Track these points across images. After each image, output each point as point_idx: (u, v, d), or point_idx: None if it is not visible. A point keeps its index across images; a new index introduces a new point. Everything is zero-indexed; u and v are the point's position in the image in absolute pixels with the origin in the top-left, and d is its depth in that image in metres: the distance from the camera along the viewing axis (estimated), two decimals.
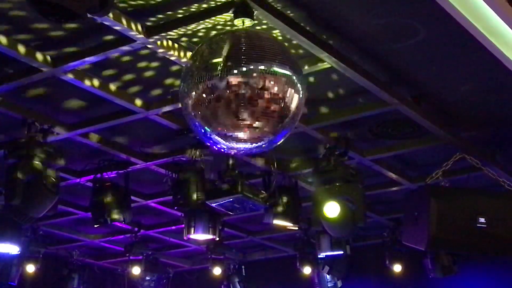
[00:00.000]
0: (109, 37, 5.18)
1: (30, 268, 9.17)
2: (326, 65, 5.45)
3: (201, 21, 4.84)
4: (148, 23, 5.00)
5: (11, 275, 8.50)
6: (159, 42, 5.13)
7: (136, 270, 9.91)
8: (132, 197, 7.79)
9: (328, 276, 9.15)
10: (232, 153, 4.55)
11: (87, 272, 10.34)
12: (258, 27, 4.97)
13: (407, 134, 6.94)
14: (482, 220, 6.29)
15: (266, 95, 4.10)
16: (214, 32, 5.01)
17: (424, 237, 6.29)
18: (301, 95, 4.28)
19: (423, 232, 6.28)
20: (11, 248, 7.30)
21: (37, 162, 6.06)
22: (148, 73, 5.79)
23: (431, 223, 6.20)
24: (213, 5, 4.77)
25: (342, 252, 8.44)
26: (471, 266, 9.03)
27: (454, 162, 6.79)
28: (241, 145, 4.29)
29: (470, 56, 5.46)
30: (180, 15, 4.91)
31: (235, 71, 4.06)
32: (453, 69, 5.73)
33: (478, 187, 7.33)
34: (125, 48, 5.18)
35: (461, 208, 6.34)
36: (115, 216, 7.26)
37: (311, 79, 5.77)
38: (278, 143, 4.44)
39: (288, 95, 4.17)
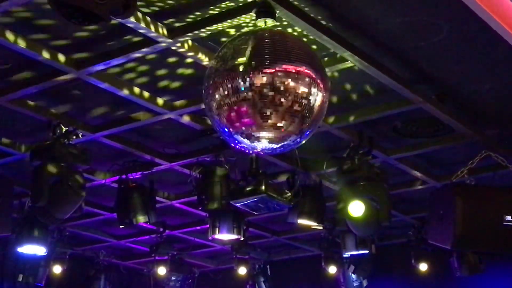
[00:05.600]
0: (133, 39, 5.21)
1: (57, 269, 9.24)
2: (349, 63, 5.44)
3: (223, 22, 4.85)
4: (171, 25, 5.02)
5: (39, 276, 8.53)
6: (181, 44, 5.15)
7: (161, 271, 9.94)
8: (157, 198, 7.82)
9: (353, 276, 9.11)
10: (256, 153, 4.54)
11: (113, 273, 10.42)
12: (280, 27, 4.97)
13: (432, 133, 6.89)
14: (508, 218, 6.23)
15: (290, 95, 4.09)
16: (238, 33, 5.02)
17: (450, 236, 6.24)
18: (324, 95, 4.27)
19: (449, 231, 6.23)
20: (38, 249, 7.34)
21: (62, 164, 6.10)
22: (172, 75, 5.81)
23: (457, 221, 6.15)
24: (235, 6, 4.77)
25: (367, 251, 8.41)
26: (498, 264, 8.96)
27: (479, 160, 6.73)
28: (265, 145, 4.29)
29: (495, 53, 5.41)
30: (202, 17, 4.92)
31: (259, 71, 4.07)
32: (477, 67, 5.69)
33: (504, 185, 7.25)
34: (149, 49, 5.21)
35: (487, 206, 6.28)
36: (140, 217, 7.30)
37: (334, 77, 5.75)
38: (302, 143, 4.44)
39: (312, 94, 4.16)
